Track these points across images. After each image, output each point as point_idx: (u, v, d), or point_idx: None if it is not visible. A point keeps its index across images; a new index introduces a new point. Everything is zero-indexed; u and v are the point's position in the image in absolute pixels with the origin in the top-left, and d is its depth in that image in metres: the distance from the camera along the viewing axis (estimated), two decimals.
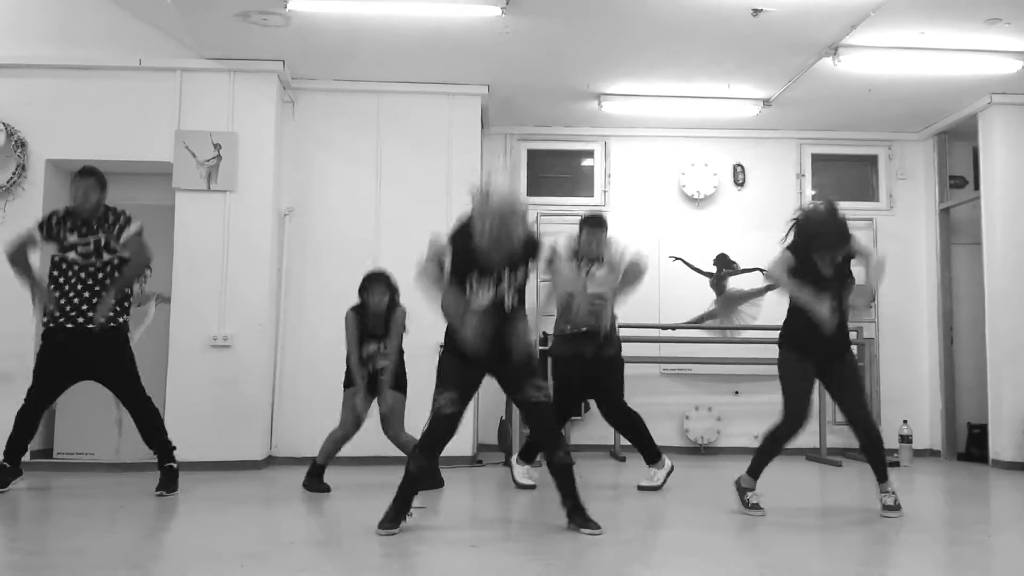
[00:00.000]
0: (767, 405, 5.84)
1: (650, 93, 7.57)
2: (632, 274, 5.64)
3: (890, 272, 8.21)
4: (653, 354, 7.99)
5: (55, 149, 6.89)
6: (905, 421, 7.63)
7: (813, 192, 8.53)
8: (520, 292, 4.30)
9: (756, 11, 5.88)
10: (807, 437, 7.68)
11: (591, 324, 5.59)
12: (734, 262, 8.29)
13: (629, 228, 8.27)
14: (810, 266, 4.77)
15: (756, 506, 4.82)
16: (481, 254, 4.13)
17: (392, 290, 5.66)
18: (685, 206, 8.49)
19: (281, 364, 7.11)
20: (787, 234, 4.87)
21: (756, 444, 5.06)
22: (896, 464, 7.37)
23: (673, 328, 8.07)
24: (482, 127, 7.77)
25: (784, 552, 4.13)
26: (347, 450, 5.79)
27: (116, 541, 4.23)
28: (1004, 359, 7.43)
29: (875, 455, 4.86)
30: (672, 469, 5.80)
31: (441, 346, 4.41)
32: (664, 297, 8.20)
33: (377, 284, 5.64)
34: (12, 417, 5.32)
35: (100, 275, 5.28)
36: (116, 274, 5.31)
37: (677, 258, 8.32)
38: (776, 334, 5.05)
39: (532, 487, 5.74)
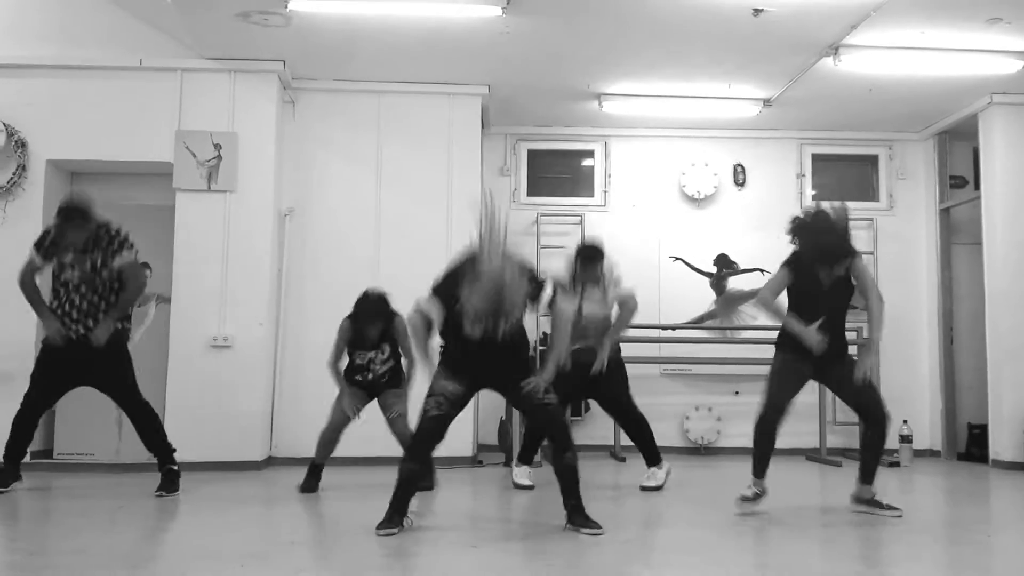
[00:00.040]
0: None
1: (650, 93, 7.57)
2: (623, 318, 5.74)
3: (890, 272, 8.32)
4: (653, 354, 7.99)
5: (55, 149, 6.89)
6: (905, 421, 7.62)
7: (814, 192, 8.53)
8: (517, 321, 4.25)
9: (756, 11, 5.87)
10: (807, 437, 7.77)
11: (591, 344, 5.66)
12: (734, 262, 8.28)
13: (629, 228, 8.34)
14: (810, 275, 4.78)
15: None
16: (472, 309, 4.06)
17: (386, 316, 5.50)
18: (685, 206, 8.49)
19: (281, 364, 7.11)
20: (791, 239, 4.86)
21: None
22: (896, 464, 7.39)
23: (673, 328, 8.06)
24: (482, 127, 7.77)
25: (784, 552, 4.13)
26: (347, 450, 5.80)
27: (116, 541, 4.24)
28: (1004, 359, 7.43)
29: (874, 450, 4.88)
30: (670, 472, 5.85)
31: (441, 347, 4.43)
32: (664, 297, 8.20)
33: (368, 316, 5.46)
34: (11, 417, 5.32)
35: (100, 288, 5.32)
36: (115, 285, 5.34)
37: (677, 258, 8.31)
38: (776, 334, 5.05)
39: (531, 487, 5.75)
